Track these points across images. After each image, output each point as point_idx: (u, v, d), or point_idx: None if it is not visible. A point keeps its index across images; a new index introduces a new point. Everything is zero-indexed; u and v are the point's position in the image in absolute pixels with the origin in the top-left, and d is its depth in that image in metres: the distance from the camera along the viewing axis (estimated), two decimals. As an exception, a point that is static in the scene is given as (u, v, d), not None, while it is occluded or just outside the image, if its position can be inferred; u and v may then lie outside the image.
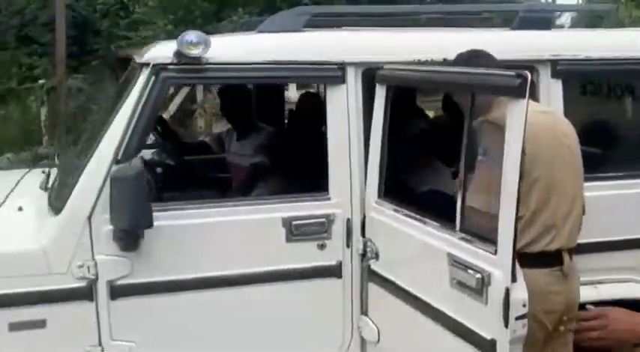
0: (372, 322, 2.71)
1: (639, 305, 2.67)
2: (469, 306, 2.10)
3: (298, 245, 2.67)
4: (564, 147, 2.34)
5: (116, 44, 11.54)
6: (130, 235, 2.41)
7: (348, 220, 2.69)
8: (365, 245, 2.69)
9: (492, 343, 2.01)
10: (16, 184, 3.15)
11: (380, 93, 2.61)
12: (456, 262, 2.15)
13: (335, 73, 2.63)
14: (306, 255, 2.67)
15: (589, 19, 7.35)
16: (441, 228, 2.26)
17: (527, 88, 1.85)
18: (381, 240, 2.61)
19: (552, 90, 2.79)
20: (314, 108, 3.29)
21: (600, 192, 2.71)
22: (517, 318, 1.98)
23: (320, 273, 2.71)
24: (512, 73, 1.90)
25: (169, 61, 2.48)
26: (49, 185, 2.97)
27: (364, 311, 2.76)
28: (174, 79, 2.50)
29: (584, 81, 3.23)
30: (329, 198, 2.68)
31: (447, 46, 2.68)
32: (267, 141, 3.40)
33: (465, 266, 2.10)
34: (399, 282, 2.49)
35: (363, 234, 2.71)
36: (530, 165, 2.17)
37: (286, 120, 3.76)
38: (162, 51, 2.50)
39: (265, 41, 2.62)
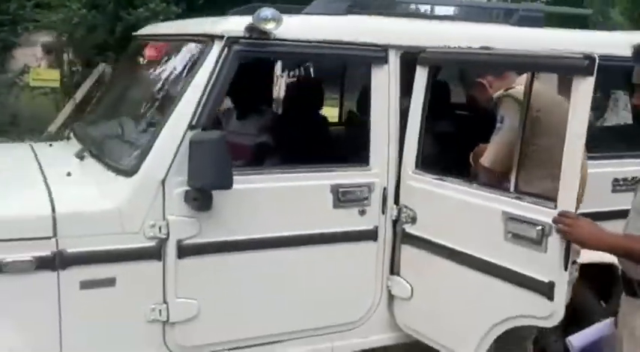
0: (405, 280, 3.01)
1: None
2: (526, 256, 2.46)
3: (343, 211, 2.91)
4: None
5: (23, 26, 11.03)
6: (206, 196, 2.56)
7: (385, 189, 2.97)
8: (399, 211, 2.99)
9: (551, 285, 2.37)
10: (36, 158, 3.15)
11: (421, 74, 2.92)
12: (512, 218, 2.50)
13: (379, 54, 2.90)
14: (349, 220, 2.92)
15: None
16: (493, 190, 2.61)
17: (595, 68, 2.23)
18: (420, 206, 2.91)
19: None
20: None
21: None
22: (573, 263, 2.36)
23: (360, 237, 2.97)
24: (580, 54, 2.28)
25: (241, 34, 2.64)
26: (85, 154, 3.00)
27: (396, 272, 3.05)
28: (246, 52, 2.65)
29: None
30: (370, 168, 2.95)
31: (471, 36, 3.05)
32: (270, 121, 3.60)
33: (523, 221, 2.45)
34: (441, 242, 2.81)
35: (396, 201, 3.00)
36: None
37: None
38: (235, 24, 2.65)
39: (324, 22, 2.84)
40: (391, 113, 2.96)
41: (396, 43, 2.94)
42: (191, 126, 2.58)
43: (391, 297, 3.10)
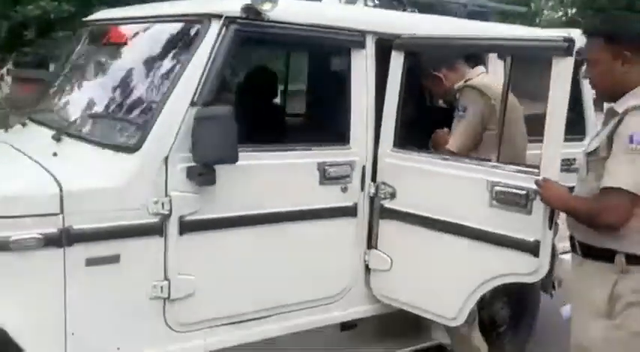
0: (384, 253, 3.19)
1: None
2: (511, 219, 2.71)
3: (328, 188, 3.05)
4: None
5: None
6: (210, 171, 2.61)
7: (364, 167, 3.14)
8: (377, 188, 3.17)
9: (536, 243, 2.64)
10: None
11: (397, 59, 3.12)
12: (497, 186, 2.75)
13: (358, 39, 3.08)
14: (333, 197, 3.07)
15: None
16: (478, 162, 2.85)
17: (574, 49, 2.52)
18: (400, 182, 3.10)
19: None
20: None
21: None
22: (555, 223, 2.64)
23: (342, 213, 3.12)
24: (559, 36, 2.56)
25: (238, 14, 2.72)
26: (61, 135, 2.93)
27: (373, 246, 3.22)
28: (243, 32, 2.73)
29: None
30: (350, 148, 3.10)
31: (435, 26, 3.31)
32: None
33: (509, 188, 2.71)
34: (424, 214, 3.01)
35: (373, 179, 3.18)
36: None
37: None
38: (232, 4, 2.72)
39: (312, 7, 2.97)
40: (369, 95, 3.13)
41: (372, 29, 3.11)
42: (192, 103, 2.61)
43: (368, 271, 3.26)
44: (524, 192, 2.66)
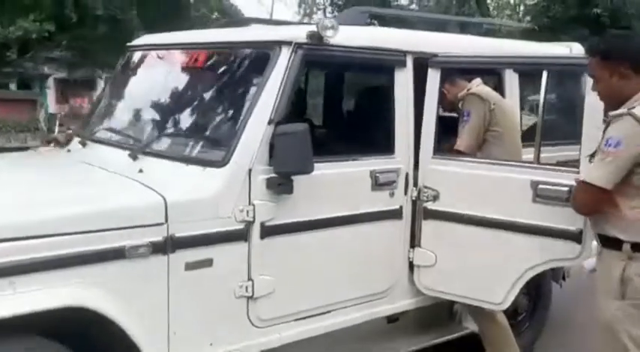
0: (428, 250, 3.54)
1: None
2: (555, 213, 3.10)
3: (379, 193, 3.39)
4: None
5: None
6: (289, 181, 2.93)
7: (407, 173, 3.49)
8: (419, 192, 3.52)
9: (579, 231, 3.04)
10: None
11: (434, 75, 3.49)
12: (540, 184, 3.14)
13: (400, 58, 3.44)
14: (382, 201, 3.41)
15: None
16: (521, 164, 3.25)
17: None
18: (443, 185, 3.46)
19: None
20: None
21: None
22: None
23: (390, 215, 3.46)
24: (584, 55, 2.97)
25: (304, 41, 3.05)
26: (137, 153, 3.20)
27: (416, 245, 3.57)
28: (309, 56, 3.06)
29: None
30: (395, 157, 3.46)
31: (464, 45, 3.70)
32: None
33: (552, 185, 3.10)
34: (470, 212, 3.38)
35: (414, 183, 3.54)
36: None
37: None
38: (299, 32, 3.05)
39: (361, 31, 3.30)
40: (409, 108, 3.49)
41: (411, 49, 3.48)
42: (270, 121, 2.93)
43: (411, 267, 3.61)
44: (566, 188, 3.05)
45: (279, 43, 3.05)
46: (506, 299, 3.35)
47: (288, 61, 3.00)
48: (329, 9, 34.07)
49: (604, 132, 2.70)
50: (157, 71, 3.69)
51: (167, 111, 3.39)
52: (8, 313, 2.30)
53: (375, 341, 3.62)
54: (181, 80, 3.46)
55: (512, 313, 4.11)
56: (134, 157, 3.18)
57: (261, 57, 3.09)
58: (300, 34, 3.05)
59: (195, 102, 3.28)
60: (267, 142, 2.92)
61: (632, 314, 2.70)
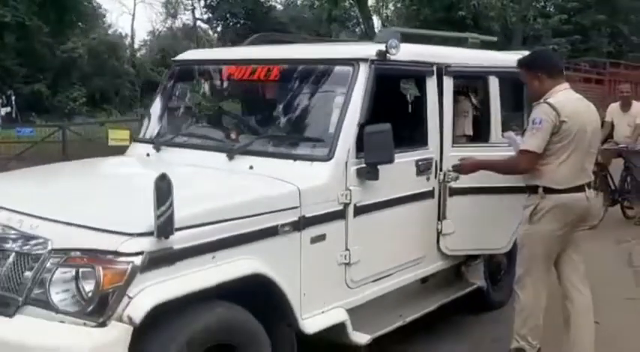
0: (451, 221, 4.46)
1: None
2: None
3: (420, 178, 4.26)
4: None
5: None
6: (375, 170, 3.71)
7: (436, 161, 4.38)
8: (444, 175, 4.42)
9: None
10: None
11: (448, 81, 4.39)
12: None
13: (431, 69, 4.32)
14: (422, 184, 4.28)
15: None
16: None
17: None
18: (462, 167, 4.39)
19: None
20: None
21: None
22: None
23: (428, 195, 4.34)
24: None
25: (374, 57, 3.85)
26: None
27: (444, 217, 4.47)
28: (379, 69, 3.85)
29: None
30: (429, 148, 4.33)
31: (468, 57, 4.66)
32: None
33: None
34: (479, 185, 4.38)
35: (440, 168, 4.42)
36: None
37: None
38: (371, 50, 3.83)
39: (407, 49, 4.10)
40: (436, 108, 4.37)
41: (435, 61, 4.36)
42: (358, 123, 3.70)
43: (438, 236, 4.51)
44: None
45: (358, 60, 3.81)
46: (509, 244, 4.42)
47: (367, 73, 3.78)
48: (203, 10, 34.58)
49: (529, 116, 3.90)
50: (233, 83, 4.30)
51: (259, 117, 4.05)
52: (215, 281, 2.93)
53: (413, 297, 4.47)
54: (266, 91, 4.11)
55: (496, 269, 5.15)
56: (231, 157, 3.81)
57: (343, 71, 3.83)
58: (372, 51, 3.83)
59: (288, 110, 3.96)
60: (355, 140, 3.68)
61: (537, 230, 3.95)
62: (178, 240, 2.82)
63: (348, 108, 3.71)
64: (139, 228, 2.74)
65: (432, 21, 23.42)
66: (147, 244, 2.73)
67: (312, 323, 3.47)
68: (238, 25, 32.45)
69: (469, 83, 5.01)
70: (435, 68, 4.34)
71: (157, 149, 4.25)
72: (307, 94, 3.97)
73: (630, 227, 8.85)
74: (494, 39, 5.64)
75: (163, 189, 2.67)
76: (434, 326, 4.70)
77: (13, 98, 24.51)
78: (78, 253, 2.76)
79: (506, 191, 4.41)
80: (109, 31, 40.25)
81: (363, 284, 3.88)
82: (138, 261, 2.69)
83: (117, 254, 2.70)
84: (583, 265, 4.20)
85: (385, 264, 4.05)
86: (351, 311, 3.75)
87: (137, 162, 4.20)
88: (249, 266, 3.11)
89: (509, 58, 5.10)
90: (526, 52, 5.41)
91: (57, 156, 13.48)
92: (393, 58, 3.91)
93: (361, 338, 3.73)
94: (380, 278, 4.03)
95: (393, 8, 24.25)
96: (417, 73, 4.30)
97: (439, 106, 4.38)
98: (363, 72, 3.78)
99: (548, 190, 3.90)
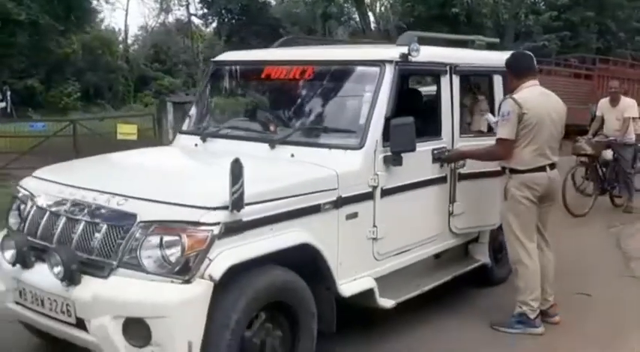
0: (460, 203, 5.05)
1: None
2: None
3: (435, 164, 4.84)
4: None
5: None
6: (400, 158, 4.28)
7: (449, 150, 4.96)
8: (455, 162, 5.01)
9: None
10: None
11: (455, 80, 4.97)
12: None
13: (446, 69, 4.90)
14: (437, 170, 4.86)
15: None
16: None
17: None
18: (468, 155, 4.99)
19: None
20: None
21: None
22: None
23: (441, 180, 4.92)
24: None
25: (398, 59, 4.42)
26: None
27: (452, 201, 5.05)
28: (402, 69, 4.42)
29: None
30: (442, 138, 4.92)
31: (474, 58, 5.24)
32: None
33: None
34: (477, 170, 4.99)
35: (451, 156, 5.01)
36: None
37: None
38: (395, 53, 4.40)
39: (425, 51, 4.66)
40: (448, 104, 4.96)
41: (448, 61, 4.94)
42: (385, 117, 4.27)
43: (449, 217, 5.09)
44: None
45: (385, 61, 4.38)
46: (498, 220, 5.10)
47: (392, 73, 4.35)
48: (198, 5, 34.95)
49: (498, 110, 4.74)
50: (270, 81, 4.84)
51: (294, 111, 4.62)
52: (274, 248, 3.51)
53: (428, 271, 5.05)
54: (301, 88, 4.67)
55: (498, 248, 5.75)
56: (272, 147, 4.37)
57: (371, 70, 4.40)
58: (396, 54, 4.40)
59: (321, 105, 4.53)
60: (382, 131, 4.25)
61: (509, 206, 4.78)
62: (246, 214, 3.38)
63: (377, 103, 4.27)
64: (217, 203, 3.31)
65: (425, 17, 24.07)
66: (223, 216, 3.30)
67: (347, 288, 4.04)
68: (234, 21, 32.85)
69: (475, 81, 5.59)
70: (448, 68, 4.91)
71: (204, 140, 4.79)
72: (338, 91, 4.55)
73: (618, 214, 9.50)
74: (497, 40, 6.19)
75: (237, 171, 3.24)
76: (444, 298, 5.28)
77: (9, 93, 24.84)
78: (165, 224, 3.32)
79: (496, 174, 5.07)
80: (102, 27, 40.55)
81: (387, 256, 4.46)
82: (216, 229, 3.26)
83: (199, 224, 3.26)
84: (548, 236, 5.09)
85: (406, 240, 4.63)
86: (377, 281, 4.32)
87: (190, 150, 4.74)
88: (300, 237, 3.68)
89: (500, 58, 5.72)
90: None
91: (68, 150, 14.00)
92: (413, 59, 4.48)
93: (387, 302, 4.32)
94: (402, 252, 4.61)
95: (388, 5, 24.77)
96: (433, 72, 4.87)
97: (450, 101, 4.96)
98: (389, 71, 4.35)
99: (514, 171, 4.73)
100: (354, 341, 4.55)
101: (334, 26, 27.21)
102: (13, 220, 4.10)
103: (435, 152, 4.81)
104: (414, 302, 4.67)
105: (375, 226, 4.30)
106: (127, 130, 14.07)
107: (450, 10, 23.24)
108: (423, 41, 4.82)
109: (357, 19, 28.94)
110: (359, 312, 4.42)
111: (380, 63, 4.40)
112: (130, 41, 43.45)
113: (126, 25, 43.35)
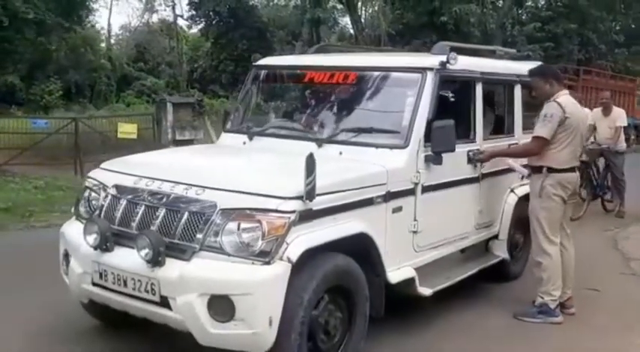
0: (484, 200, 5.45)
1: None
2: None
3: (470, 165, 5.22)
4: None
5: None
6: (440, 157, 4.65)
7: (481, 151, 5.32)
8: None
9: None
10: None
11: (479, 87, 5.36)
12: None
13: (479, 77, 5.30)
14: (472, 171, 5.24)
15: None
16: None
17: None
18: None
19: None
20: None
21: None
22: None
23: (475, 180, 5.29)
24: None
25: (438, 67, 4.80)
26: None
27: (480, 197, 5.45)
28: (441, 76, 4.80)
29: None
30: (475, 141, 5.31)
31: (501, 67, 5.66)
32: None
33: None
34: (496, 169, 5.42)
35: (477, 158, 5.40)
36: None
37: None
38: (435, 61, 4.78)
39: (460, 60, 5.02)
40: (480, 109, 5.35)
41: (476, 69, 5.34)
42: (427, 119, 4.64)
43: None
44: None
45: (427, 68, 4.76)
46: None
47: (433, 79, 4.73)
48: (186, 7, 35.07)
49: (541, 112, 5.14)
50: (313, 84, 5.19)
51: (337, 113, 4.98)
52: (339, 235, 3.86)
53: (455, 265, 5.43)
54: (344, 92, 5.02)
55: (515, 246, 6.16)
56: (320, 145, 4.71)
57: (413, 77, 4.77)
58: (436, 62, 4.78)
59: (365, 107, 4.89)
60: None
61: (543, 203, 5.15)
62: (316, 204, 3.73)
63: (419, 106, 4.65)
64: (293, 193, 3.65)
65: (415, 25, 24.57)
66: (298, 205, 3.64)
67: (393, 275, 4.40)
68: (221, 23, 33.04)
69: (496, 88, 6.01)
70: (480, 75, 5.31)
71: (250, 138, 5.13)
72: (381, 95, 4.92)
73: (611, 218, 9.99)
74: (514, 51, 6.63)
75: (311, 164, 3.58)
76: (465, 291, 5.65)
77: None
78: (245, 211, 3.65)
79: (505, 172, 5.62)
80: (87, 24, 40.28)
81: (424, 249, 4.82)
82: (293, 217, 3.60)
83: (278, 211, 3.60)
84: (570, 230, 5.52)
85: (445, 233, 5.00)
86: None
87: (241, 147, 5.06)
88: (358, 226, 4.04)
89: (526, 68, 6.16)
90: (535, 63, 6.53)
91: (69, 147, 14.20)
92: (452, 67, 4.86)
93: (425, 291, 4.69)
94: (440, 245, 4.99)
95: (380, 13, 25.18)
96: (467, 80, 5.26)
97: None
98: (430, 78, 4.73)
99: (552, 170, 5.12)
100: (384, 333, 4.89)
101: (324, 31, 27.58)
102: (83, 209, 4.39)
103: (470, 154, 5.17)
104: (437, 297, 5.00)
105: (415, 220, 4.65)
106: (127, 129, 14.35)
107: (439, 19, 23.74)
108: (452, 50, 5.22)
109: (344, 25, 29.47)
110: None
111: (422, 70, 4.78)
112: (112, 40, 43.34)
113: (109, 24, 43.16)
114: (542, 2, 32.46)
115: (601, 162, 10.33)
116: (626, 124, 10.45)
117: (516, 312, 5.36)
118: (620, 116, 10.15)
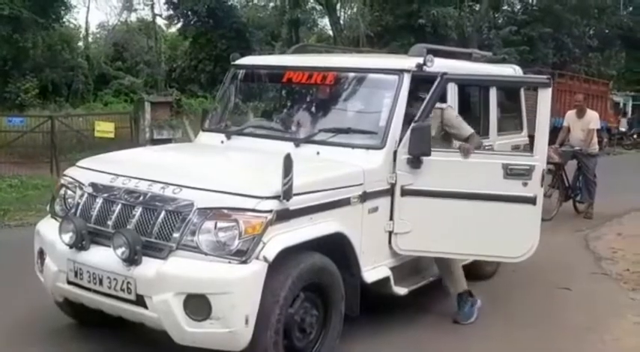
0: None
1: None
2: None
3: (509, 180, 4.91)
4: None
5: None
6: (418, 160, 4.68)
7: (543, 170, 4.81)
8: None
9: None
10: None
11: (453, 87, 5.41)
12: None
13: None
14: (513, 187, 4.78)
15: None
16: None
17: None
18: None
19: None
20: None
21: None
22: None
23: (522, 200, 4.79)
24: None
25: (414, 69, 4.86)
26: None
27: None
28: (416, 78, 4.85)
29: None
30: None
31: (474, 69, 5.74)
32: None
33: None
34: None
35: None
36: None
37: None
38: (412, 63, 4.84)
39: (437, 62, 5.08)
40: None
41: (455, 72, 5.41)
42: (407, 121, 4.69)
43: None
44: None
45: (403, 70, 4.82)
46: None
47: (410, 81, 4.79)
48: (164, 6, 34.91)
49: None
50: (291, 84, 5.22)
51: (316, 113, 5.00)
52: (315, 235, 3.90)
53: (430, 264, 5.44)
54: (322, 92, 5.06)
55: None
56: (297, 145, 4.74)
57: (390, 78, 4.82)
58: (412, 64, 4.84)
59: (342, 107, 4.93)
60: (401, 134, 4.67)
61: None
62: (293, 203, 3.76)
63: (396, 107, 4.70)
64: (270, 193, 3.68)
65: (393, 27, 24.70)
66: (275, 204, 3.67)
67: (369, 275, 4.45)
68: (200, 23, 32.90)
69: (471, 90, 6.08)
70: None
71: (228, 137, 5.15)
72: (358, 96, 4.97)
73: (581, 219, 10.16)
74: (490, 54, 6.72)
75: (288, 164, 3.61)
76: (440, 291, 5.69)
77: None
78: (221, 210, 3.67)
79: None
80: (63, 22, 39.84)
81: (408, 252, 4.85)
82: (270, 216, 3.63)
83: (254, 211, 3.63)
84: None
85: (439, 246, 4.83)
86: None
87: (219, 146, 5.07)
88: (335, 226, 4.08)
89: (499, 70, 6.25)
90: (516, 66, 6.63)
91: (45, 145, 14.08)
92: (428, 70, 4.91)
93: (401, 290, 4.74)
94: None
95: (359, 15, 25.25)
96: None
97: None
98: (407, 79, 4.79)
99: None
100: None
101: (303, 32, 27.63)
102: (58, 207, 4.37)
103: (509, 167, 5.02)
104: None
105: (391, 220, 4.70)
106: (104, 128, 14.25)
107: (417, 21, 23.90)
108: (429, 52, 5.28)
109: (323, 26, 29.54)
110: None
111: (399, 71, 4.83)
112: (90, 39, 42.94)
113: (87, 22, 42.72)
114: (519, 6, 32.87)
115: (574, 163, 10.48)
116: (599, 127, 10.64)
117: (455, 318, 5.27)
118: (593, 119, 10.31)
